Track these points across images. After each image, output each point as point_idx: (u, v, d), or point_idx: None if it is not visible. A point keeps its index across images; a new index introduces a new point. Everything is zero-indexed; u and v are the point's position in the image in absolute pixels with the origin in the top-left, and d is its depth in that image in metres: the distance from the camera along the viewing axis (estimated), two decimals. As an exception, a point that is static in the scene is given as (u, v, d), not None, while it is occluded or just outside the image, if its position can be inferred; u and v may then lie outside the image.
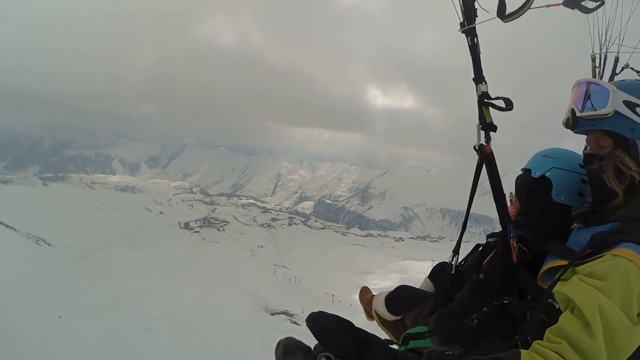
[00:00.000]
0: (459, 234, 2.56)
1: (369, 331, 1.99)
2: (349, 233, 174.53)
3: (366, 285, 3.42)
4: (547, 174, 2.24)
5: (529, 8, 1.69)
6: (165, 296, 55.52)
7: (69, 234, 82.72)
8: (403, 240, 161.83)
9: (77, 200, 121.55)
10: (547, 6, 1.66)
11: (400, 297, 2.82)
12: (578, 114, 1.88)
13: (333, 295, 58.38)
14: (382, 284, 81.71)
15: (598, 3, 1.81)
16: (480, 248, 2.47)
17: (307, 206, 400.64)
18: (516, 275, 2.01)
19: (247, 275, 73.17)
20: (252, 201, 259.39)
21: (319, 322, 2.04)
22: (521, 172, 2.42)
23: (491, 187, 2.02)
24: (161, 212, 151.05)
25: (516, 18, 1.74)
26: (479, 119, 1.99)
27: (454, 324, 2.16)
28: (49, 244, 76.87)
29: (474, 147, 2.07)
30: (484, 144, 2.03)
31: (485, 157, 2.04)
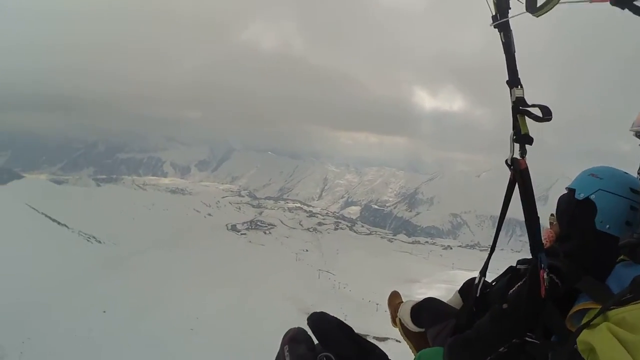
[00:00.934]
0: (487, 255, 2.32)
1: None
2: (395, 239, 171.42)
3: (397, 290, 3.31)
4: (593, 197, 1.96)
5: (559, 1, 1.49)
6: (208, 297, 56.09)
7: (120, 233, 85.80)
8: (451, 248, 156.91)
9: (128, 200, 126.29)
10: (591, 1, 1.43)
11: (426, 310, 2.70)
12: None
13: (377, 304, 56.62)
14: (429, 293, 78.81)
15: None
16: (509, 275, 2.25)
17: (354, 211, 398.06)
18: (543, 311, 1.79)
19: (291, 279, 72.80)
20: (298, 205, 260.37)
21: (321, 322, 2.26)
22: (565, 192, 2.17)
23: (523, 208, 1.81)
24: (209, 214, 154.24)
25: (547, 11, 1.53)
26: (513, 129, 1.80)
27: (466, 356, 2.01)
28: (99, 242, 79.99)
29: (506, 162, 1.87)
30: (518, 157, 1.83)
31: (519, 173, 1.82)
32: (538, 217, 1.80)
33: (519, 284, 1.98)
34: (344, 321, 2.39)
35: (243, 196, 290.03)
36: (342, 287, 76.57)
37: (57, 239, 68.82)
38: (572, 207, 2.04)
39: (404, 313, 2.85)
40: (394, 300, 3.19)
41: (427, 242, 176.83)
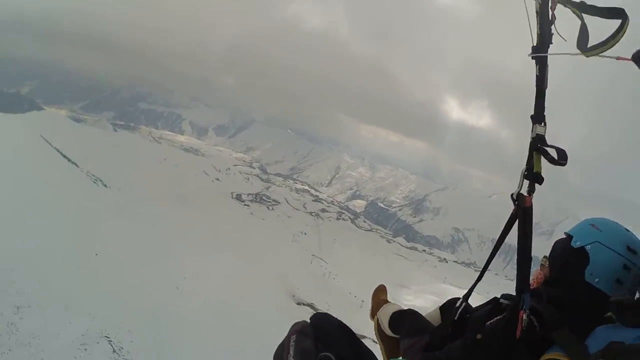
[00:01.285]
0: (475, 281, 2.33)
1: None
2: (394, 241, 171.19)
3: (384, 285, 3.39)
4: (588, 247, 1.92)
5: (615, 43, 1.49)
6: (200, 260, 56.68)
7: (127, 180, 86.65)
8: (447, 262, 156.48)
9: (142, 150, 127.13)
10: (618, 58, 1.44)
11: (405, 320, 2.77)
12: None
13: (363, 301, 56.89)
14: (415, 301, 79.09)
15: None
16: (491, 306, 2.23)
17: (359, 205, 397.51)
18: (515, 352, 1.77)
19: (284, 259, 73.26)
20: (306, 187, 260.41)
21: (323, 322, 2.31)
22: (564, 236, 2.15)
23: (518, 245, 1.78)
24: (217, 179, 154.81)
25: (600, 53, 1.53)
26: (526, 164, 1.77)
27: None
28: (105, 185, 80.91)
29: (512, 196, 1.85)
30: (525, 194, 1.81)
31: (522, 210, 1.80)
32: (531, 258, 1.77)
33: (498, 318, 1.96)
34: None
35: (254, 168, 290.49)
36: (332, 276, 76.94)
37: (64, 176, 69.52)
38: (566, 254, 2.02)
39: (384, 316, 2.90)
40: (379, 294, 3.29)
41: (424, 250, 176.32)
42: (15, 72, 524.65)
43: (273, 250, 76.36)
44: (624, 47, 1.47)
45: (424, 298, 79.52)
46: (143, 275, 46.07)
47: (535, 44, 1.67)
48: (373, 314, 3.16)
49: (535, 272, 2.28)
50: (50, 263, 40.84)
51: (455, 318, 2.30)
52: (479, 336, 1.94)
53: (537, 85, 1.69)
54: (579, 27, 1.62)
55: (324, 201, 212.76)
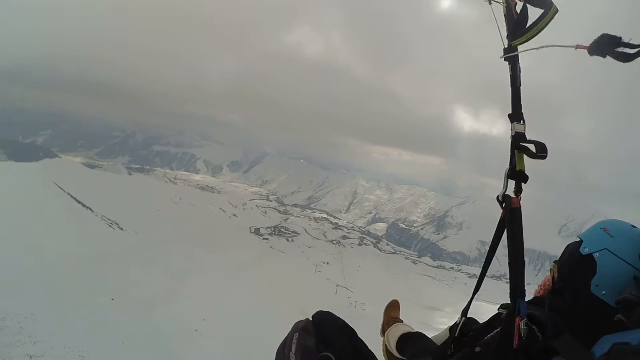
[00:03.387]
0: (472, 294, 2.19)
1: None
2: (420, 262, 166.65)
3: (397, 300, 3.31)
4: (597, 255, 1.74)
5: (541, 30, 1.53)
6: (220, 300, 54.26)
7: (143, 223, 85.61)
8: (477, 278, 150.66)
9: (157, 192, 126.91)
10: (577, 47, 1.45)
11: (413, 343, 2.77)
12: None
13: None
14: (450, 323, 74.86)
15: (638, 49, 1.44)
16: (490, 318, 2.16)
17: (380, 228, 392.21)
18: None
19: (308, 291, 70.30)
20: (325, 216, 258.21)
21: (326, 321, 2.31)
22: (577, 240, 1.97)
23: (509, 249, 1.69)
24: (235, 215, 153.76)
25: (527, 40, 1.57)
26: (510, 164, 1.73)
27: None
28: (121, 229, 79.85)
29: (497, 198, 1.79)
30: (511, 195, 1.74)
31: (509, 212, 1.72)
32: (524, 262, 1.67)
33: (497, 330, 1.87)
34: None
35: (271, 201, 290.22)
36: (359, 306, 73.46)
37: (79, 221, 68.81)
38: (573, 261, 1.87)
39: (392, 337, 2.85)
40: (391, 311, 3.22)
41: (452, 268, 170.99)
42: (27, 123, 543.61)
43: (295, 283, 73.68)
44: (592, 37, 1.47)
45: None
46: (161, 320, 44.04)
47: (505, 46, 1.67)
48: (383, 331, 3.09)
49: (545, 278, 2.20)
50: (66, 310, 39.41)
51: (456, 335, 2.22)
52: (477, 349, 1.89)
53: (511, 85, 1.68)
54: (518, 16, 1.63)
55: (344, 228, 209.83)
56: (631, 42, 1.43)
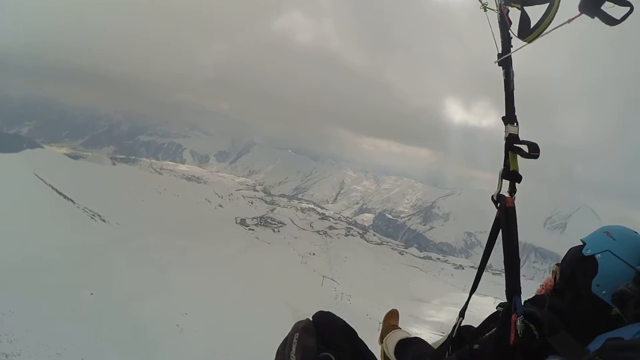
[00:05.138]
0: (468, 295, 2.20)
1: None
2: (406, 252, 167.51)
3: (397, 310, 3.37)
4: (598, 256, 1.78)
5: (549, 22, 1.54)
6: (203, 292, 53.11)
7: (126, 214, 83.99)
8: (463, 268, 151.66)
9: (141, 182, 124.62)
10: (569, 21, 1.47)
11: (410, 349, 2.78)
12: None
13: (380, 322, 52.89)
14: (438, 316, 75.07)
15: (626, 10, 1.45)
16: (488, 316, 2.19)
17: (367, 218, 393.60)
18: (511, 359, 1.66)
19: (293, 283, 69.60)
20: (312, 206, 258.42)
21: (326, 321, 2.30)
22: (580, 244, 1.98)
23: (504, 248, 1.71)
24: (220, 205, 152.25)
25: (537, 36, 1.59)
26: (503, 164, 1.77)
27: None
28: (103, 220, 78.03)
29: (492, 198, 1.80)
30: (505, 195, 1.76)
31: (503, 211, 1.74)
32: (519, 260, 1.72)
33: (495, 327, 1.87)
34: None
35: (257, 191, 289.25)
36: (345, 298, 73.00)
37: (60, 212, 66.88)
38: (575, 262, 1.90)
39: (390, 343, 2.85)
40: (390, 319, 3.24)
41: (438, 258, 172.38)
42: (12, 113, 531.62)
43: (281, 274, 72.90)
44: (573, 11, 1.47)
45: (447, 311, 75.45)
46: (142, 314, 42.82)
47: (499, 52, 1.73)
48: (382, 337, 3.12)
49: (546, 279, 2.22)
50: (44, 305, 38.02)
51: (453, 335, 2.24)
52: (475, 346, 1.90)
53: (505, 88, 1.73)
54: (519, 18, 1.67)
55: (330, 218, 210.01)
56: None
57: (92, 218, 75.90)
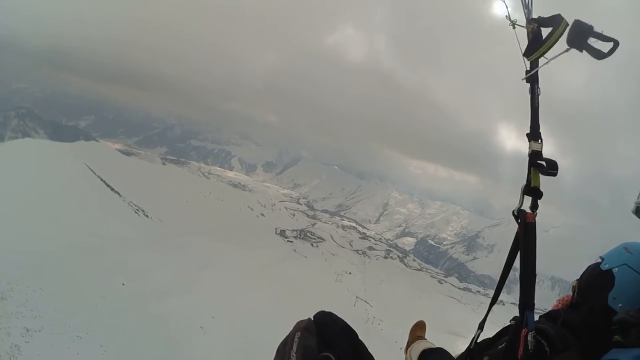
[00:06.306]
0: (488, 307, 2.19)
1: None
2: (445, 282, 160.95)
3: (424, 321, 3.30)
4: (615, 270, 1.80)
5: (553, 43, 1.60)
6: (233, 297, 52.54)
7: (169, 212, 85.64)
8: (504, 304, 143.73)
9: (188, 184, 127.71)
10: (567, 50, 1.55)
11: (432, 358, 2.72)
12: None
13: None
14: (473, 351, 70.62)
15: (611, 45, 1.50)
16: (500, 330, 2.21)
17: (408, 242, 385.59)
18: None
19: (325, 300, 67.62)
20: (353, 224, 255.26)
21: (327, 321, 2.26)
22: (598, 260, 2.03)
23: (521, 262, 1.73)
24: (262, 214, 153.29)
25: (541, 55, 1.66)
26: (526, 180, 1.78)
27: None
28: (147, 216, 79.86)
29: (513, 213, 1.81)
30: (527, 210, 1.77)
31: (523, 226, 1.74)
32: (535, 275, 1.70)
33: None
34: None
35: (300, 204, 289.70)
36: (376, 322, 70.31)
37: (105, 203, 69.11)
38: (593, 276, 1.92)
39: (415, 352, 2.80)
40: (417, 330, 3.17)
41: (478, 291, 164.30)
42: (72, 107, 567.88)
43: (313, 290, 71.27)
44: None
45: (482, 348, 71.07)
46: (168, 312, 42.63)
47: (527, 69, 1.76)
48: (407, 349, 3.03)
49: (564, 295, 2.25)
50: (74, 288, 38.73)
51: (471, 347, 2.27)
52: (485, 358, 1.96)
53: (530, 105, 1.75)
54: (531, 37, 1.72)
55: (371, 238, 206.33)
56: (602, 34, 1.48)
57: (135, 212, 77.84)
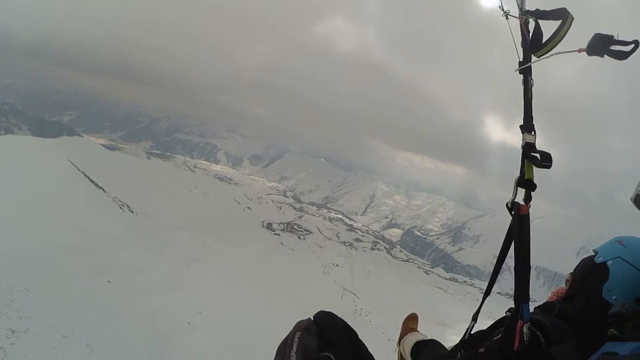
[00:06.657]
0: (482, 299, 2.25)
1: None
2: (432, 272, 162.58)
3: (416, 313, 3.34)
4: (609, 263, 1.82)
5: (560, 39, 1.60)
6: (220, 291, 52.32)
7: (155, 207, 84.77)
8: (490, 294, 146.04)
9: (173, 178, 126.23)
10: (579, 51, 1.52)
11: (427, 350, 2.73)
12: None
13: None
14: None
15: (632, 46, 1.48)
16: (496, 320, 2.25)
17: (395, 234, 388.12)
18: None
19: (312, 292, 68.00)
20: (340, 216, 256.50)
21: (327, 321, 2.31)
22: (592, 253, 2.05)
23: (515, 254, 1.74)
24: (249, 207, 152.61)
25: (548, 52, 1.64)
26: (520, 172, 1.79)
27: None
28: (132, 211, 78.68)
29: (507, 205, 1.82)
30: (520, 202, 1.78)
31: (517, 218, 1.75)
32: (529, 267, 1.71)
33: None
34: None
35: (287, 197, 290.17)
36: (364, 313, 70.79)
37: (89, 199, 67.87)
38: (587, 269, 1.94)
39: (407, 344, 2.82)
40: (409, 323, 3.20)
41: (465, 281, 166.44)
42: (56, 102, 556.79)
43: (300, 282, 71.44)
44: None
45: (469, 337, 71.99)
46: (155, 308, 42.18)
47: (520, 60, 1.76)
48: (400, 341, 3.07)
49: (559, 288, 2.28)
50: (60, 287, 37.89)
51: (465, 338, 2.26)
52: (481, 350, 1.95)
53: (524, 96, 1.75)
54: (533, 31, 1.72)
55: (358, 230, 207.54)
56: (622, 40, 1.47)
57: (120, 208, 76.72)
